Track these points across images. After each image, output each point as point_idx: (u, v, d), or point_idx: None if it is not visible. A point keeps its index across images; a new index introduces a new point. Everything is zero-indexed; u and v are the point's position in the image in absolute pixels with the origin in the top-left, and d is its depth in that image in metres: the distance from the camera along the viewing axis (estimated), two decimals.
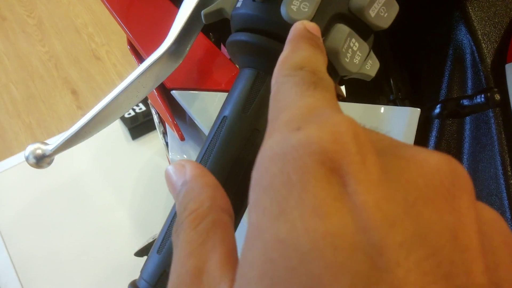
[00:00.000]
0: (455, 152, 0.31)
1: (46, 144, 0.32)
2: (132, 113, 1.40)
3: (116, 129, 1.39)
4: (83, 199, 1.27)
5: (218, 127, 0.24)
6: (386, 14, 0.21)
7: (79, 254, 1.17)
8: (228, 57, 0.38)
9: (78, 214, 1.24)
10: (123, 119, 1.39)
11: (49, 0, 1.75)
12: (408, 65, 0.37)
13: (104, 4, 0.41)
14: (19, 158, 1.34)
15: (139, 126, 1.38)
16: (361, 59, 0.22)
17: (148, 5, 0.40)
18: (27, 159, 0.32)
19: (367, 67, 0.24)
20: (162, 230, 0.24)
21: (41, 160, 0.32)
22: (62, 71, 1.55)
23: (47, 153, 0.31)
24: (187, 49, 0.31)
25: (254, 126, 0.23)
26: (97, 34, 1.65)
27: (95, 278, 1.14)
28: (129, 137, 1.37)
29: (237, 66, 0.25)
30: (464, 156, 0.30)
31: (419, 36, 0.37)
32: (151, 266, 0.23)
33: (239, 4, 0.24)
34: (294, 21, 0.20)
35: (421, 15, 0.38)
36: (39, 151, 0.31)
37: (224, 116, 0.24)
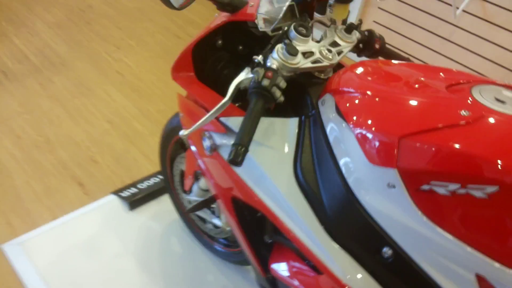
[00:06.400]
0: (309, 135, 1.02)
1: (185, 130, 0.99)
2: (128, 193, 2.00)
3: (117, 204, 1.97)
4: (95, 258, 1.78)
5: None
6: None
7: None
8: None
9: (92, 270, 1.74)
10: (120, 197, 1.97)
11: (53, 124, 2.38)
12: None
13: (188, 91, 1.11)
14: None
15: (136, 200, 1.97)
16: (280, 95, 0.93)
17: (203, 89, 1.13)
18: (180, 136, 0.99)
19: (281, 98, 0.94)
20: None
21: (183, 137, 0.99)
22: (69, 170, 2.13)
23: (185, 134, 0.99)
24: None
25: None
26: (93, 145, 2.29)
27: None
28: (127, 208, 1.95)
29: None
30: (312, 134, 1.00)
31: (299, 97, 1.11)
32: None
33: (251, 84, 0.94)
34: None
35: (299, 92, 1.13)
36: (182, 132, 0.99)
37: None
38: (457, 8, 2.50)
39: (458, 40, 2.61)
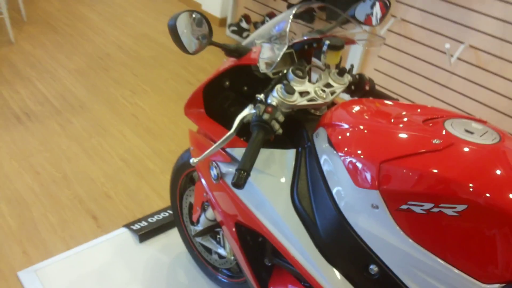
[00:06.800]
0: (305, 163, 1.13)
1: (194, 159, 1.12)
2: (138, 226, 2.10)
3: (128, 236, 2.07)
4: (106, 287, 1.86)
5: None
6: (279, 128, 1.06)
7: None
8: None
9: None
10: (131, 230, 2.07)
11: (71, 161, 2.53)
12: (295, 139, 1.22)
13: (198, 125, 1.24)
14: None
15: (146, 233, 2.07)
16: (278, 128, 1.06)
17: (211, 124, 1.26)
18: (191, 163, 1.11)
19: (279, 130, 1.07)
20: None
21: (193, 164, 1.11)
22: (84, 204, 2.25)
23: (195, 161, 1.11)
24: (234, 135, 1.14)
25: None
26: (107, 182, 2.42)
27: None
28: (138, 241, 2.04)
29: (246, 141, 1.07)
30: (308, 163, 1.12)
31: (297, 131, 1.23)
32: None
33: (253, 118, 1.07)
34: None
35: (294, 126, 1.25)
36: (192, 160, 1.11)
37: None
38: (452, 56, 2.67)
39: (455, 86, 2.76)
